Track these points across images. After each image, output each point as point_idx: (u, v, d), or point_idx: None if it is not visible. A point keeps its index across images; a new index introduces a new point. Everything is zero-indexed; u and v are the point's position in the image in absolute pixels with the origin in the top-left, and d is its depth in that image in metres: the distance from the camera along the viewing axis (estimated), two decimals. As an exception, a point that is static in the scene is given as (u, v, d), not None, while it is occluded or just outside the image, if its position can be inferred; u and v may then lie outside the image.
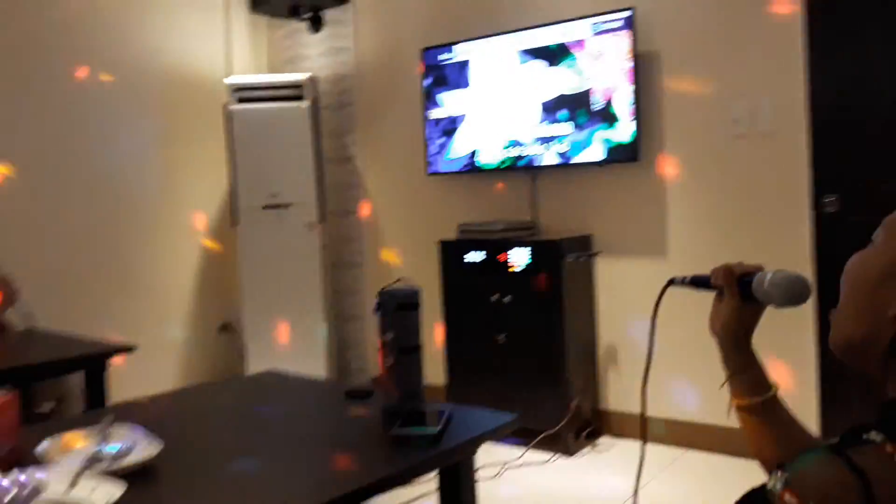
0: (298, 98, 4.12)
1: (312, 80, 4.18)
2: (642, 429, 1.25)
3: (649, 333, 1.13)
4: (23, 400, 1.42)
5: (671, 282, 1.13)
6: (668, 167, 3.29)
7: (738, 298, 1.02)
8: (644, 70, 3.27)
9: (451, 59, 3.77)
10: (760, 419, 1.04)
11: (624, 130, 3.25)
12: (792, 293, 0.97)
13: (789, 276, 0.98)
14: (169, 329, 4.25)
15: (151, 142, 4.17)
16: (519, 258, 3.35)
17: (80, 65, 3.85)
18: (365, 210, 4.39)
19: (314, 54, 4.55)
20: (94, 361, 2.40)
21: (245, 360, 4.18)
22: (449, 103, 3.79)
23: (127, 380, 3.76)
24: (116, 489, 1.15)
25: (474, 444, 1.45)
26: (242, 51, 4.65)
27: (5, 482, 1.15)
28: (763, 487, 0.71)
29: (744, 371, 1.03)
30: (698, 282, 1.09)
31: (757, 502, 0.70)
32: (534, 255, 3.31)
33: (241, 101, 4.11)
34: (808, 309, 2.87)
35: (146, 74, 4.13)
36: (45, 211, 3.71)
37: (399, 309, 1.55)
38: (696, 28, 3.18)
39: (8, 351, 2.59)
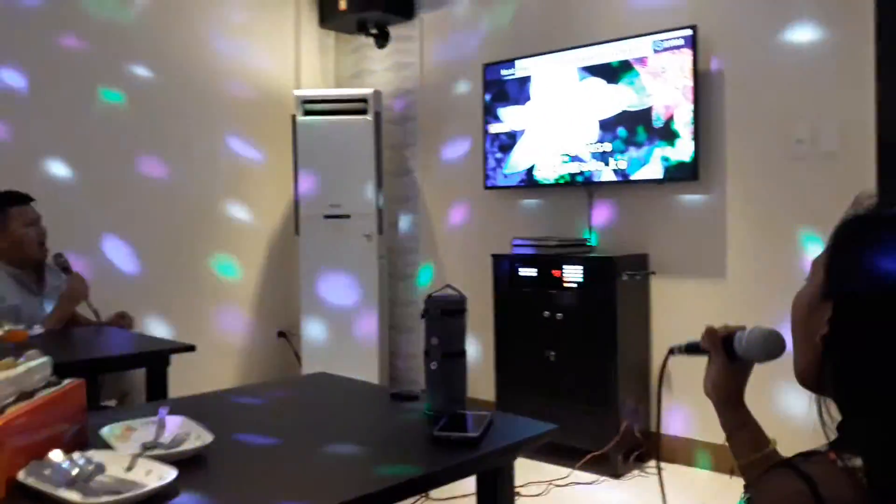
0: (363, 112, 4.22)
1: (377, 95, 4.28)
2: (658, 467, 1.28)
3: (657, 401, 1.21)
4: (89, 393, 1.50)
5: (671, 351, 1.19)
6: (729, 187, 3.24)
7: (724, 358, 1.08)
8: (705, 88, 3.24)
9: (512, 74, 3.81)
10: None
11: (684, 149, 3.22)
12: (766, 348, 1.03)
13: (762, 332, 1.04)
14: (229, 333, 4.39)
15: (223, 150, 4.34)
16: (572, 275, 3.34)
17: (159, 72, 4.03)
18: (422, 222, 4.45)
19: (379, 69, 4.65)
20: (156, 358, 2.50)
21: (300, 367, 4.28)
22: (508, 118, 3.83)
23: (187, 379, 3.89)
24: (169, 474, 1.21)
25: (513, 449, 1.47)
26: (311, 65, 4.79)
27: (69, 462, 1.22)
28: None
29: (740, 429, 1.08)
30: (691, 348, 1.15)
31: None
32: (587, 272, 3.30)
33: (308, 113, 4.23)
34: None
35: (221, 85, 4.30)
36: (116, 212, 3.89)
37: (444, 314, 1.58)
38: (760, 46, 3.13)
39: (77, 344, 2.72)
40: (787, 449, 1.05)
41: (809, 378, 0.85)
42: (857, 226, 0.82)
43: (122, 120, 3.91)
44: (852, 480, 0.72)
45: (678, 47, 3.22)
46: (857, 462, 0.73)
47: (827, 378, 0.80)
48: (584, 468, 3.24)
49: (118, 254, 3.88)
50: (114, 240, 3.87)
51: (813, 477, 0.72)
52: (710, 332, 1.10)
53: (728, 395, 1.09)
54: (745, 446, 1.06)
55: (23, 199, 2.94)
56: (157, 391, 2.51)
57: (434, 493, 2.93)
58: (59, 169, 3.68)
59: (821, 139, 2.98)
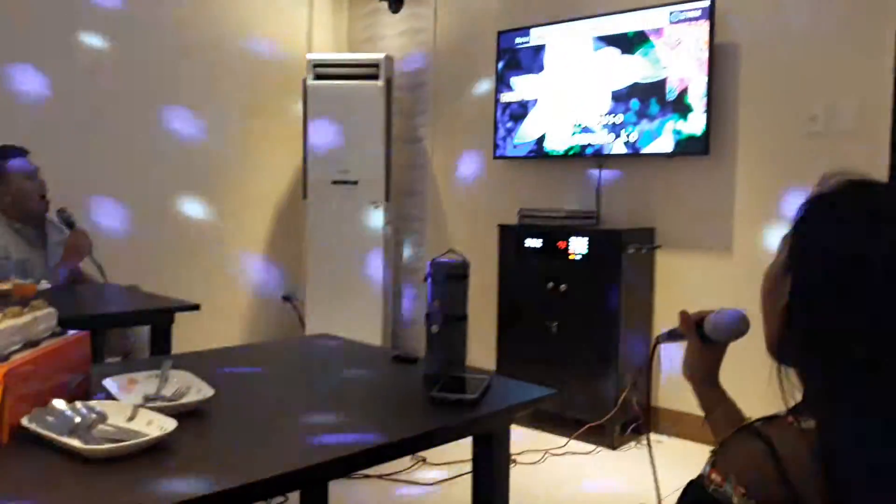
0: (374, 77, 4.19)
1: (388, 60, 4.24)
2: (649, 448, 1.31)
3: (646, 387, 1.24)
4: (93, 349, 1.52)
5: (657, 340, 1.24)
6: (739, 163, 3.22)
7: (698, 340, 1.14)
8: (721, 61, 3.20)
9: (526, 42, 3.76)
10: None
11: (696, 123, 3.19)
12: (729, 328, 1.09)
13: (727, 313, 1.10)
14: (234, 295, 4.41)
15: (232, 112, 4.32)
16: (578, 246, 3.34)
17: (167, 34, 4.01)
18: (430, 191, 4.44)
19: (392, 34, 4.61)
20: (160, 316, 2.52)
21: (304, 331, 4.31)
22: (521, 87, 3.79)
23: (190, 340, 3.93)
24: (169, 424, 1.23)
25: (510, 412, 1.48)
26: (324, 28, 4.75)
27: (72, 410, 1.24)
28: (699, 475, 0.82)
29: (717, 406, 1.13)
30: (672, 334, 1.20)
31: (695, 488, 0.81)
32: (593, 244, 3.30)
33: (319, 77, 4.21)
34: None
35: (230, 47, 4.28)
36: (123, 172, 3.89)
37: (448, 279, 1.59)
38: (778, 21, 3.08)
39: (83, 300, 2.74)
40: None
41: (775, 348, 0.88)
42: (815, 203, 0.87)
43: (131, 73, 3.89)
44: (807, 441, 0.76)
45: (695, 19, 3.17)
46: (812, 424, 0.78)
47: (787, 346, 0.85)
48: (581, 438, 3.27)
49: (123, 211, 3.89)
50: (119, 197, 3.88)
51: (771, 437, 0.77)
52: (683, 317, 1.15)
53: (703, 376, 1.14)
54: (722, 424, 1.10)
55: (19, 152, 2.94)
56: (160, 350, 2.53)
57: (431, 457, 2.97)
58: (83, 115, 3.68)
59: (836, 117, 2.95)
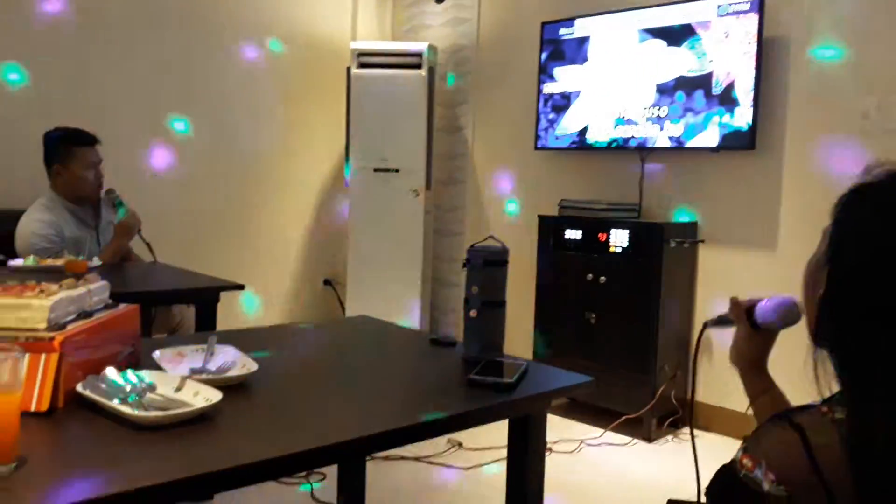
0: (417, 66, 4.21)
1: (432, 50, 4.26)
2: (691, 436, 1.31)
3: (692, 373, 1.26)
4: (143, 326, 1.57)
5: (705, 325, 1.25)
6: (786, 158, 3.16)
7: (748, 327, 1.15)
8: (769, 55, 3.15)
9: (570, 33, 3.75)
10: None
11: (742, 117, 3.15)
12: (781, 315, 1.10)
13: (778, 300, 1.11)
14: (276, 278, 4.49)
15: (277, 101, 4.39)
16: (619, 239, 3.32)
17: (211, 23, 4.09)
18: (470, 180, 4.45)
19: (436, 24, 4.63)
20: (205, 294, 2.58)
21: (344, 314, 4.37)
22: (564, 78, 3.78)
23: (234, 320, 4.02)
24: (215, 396, 1.27)
25: (546, 397, 1.49)
26: (368, 17, 4.79)
27: (123, 379, 1.29)
28: (731, 460, 0.83)
29: (763, 393, 1.14)
30: (720, 321, 1.21)
31: (727, 472, 0.82)
32: (634, 237, 3.28)
33: (363, 66, 4.24)
34: None
35: (276, 34, 4.34)
36: (169, 158, 3.99)
37: (486, 265, 1.60)
38: (830, 15, 3.02)
39: (133, 278, 2.83)
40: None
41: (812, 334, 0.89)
42: (856, 192, 0.87)
43: (179, 68, 3.98)
44: (840, 431, 0.77)
45: (744, 12, 3.12)
46: (845, 414, 0.78)
47: (823, 333, 0.86)
48: (618, 430, 3.26)
49: (170, 195, 3.99)
50: (167, 182, 3.98)
51: (804, 427, 0.77)
52: (734, 303, 1.16)
53: (751, 362, 1.15)
54: (767, 410, 1.10)
55: (89, 140, 3.01)
56: (206, 327, 2.60)
57: (467, 441, 3.00)
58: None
59: (889, 116, 2.88)
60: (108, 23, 3.72)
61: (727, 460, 0.85)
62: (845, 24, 2.98)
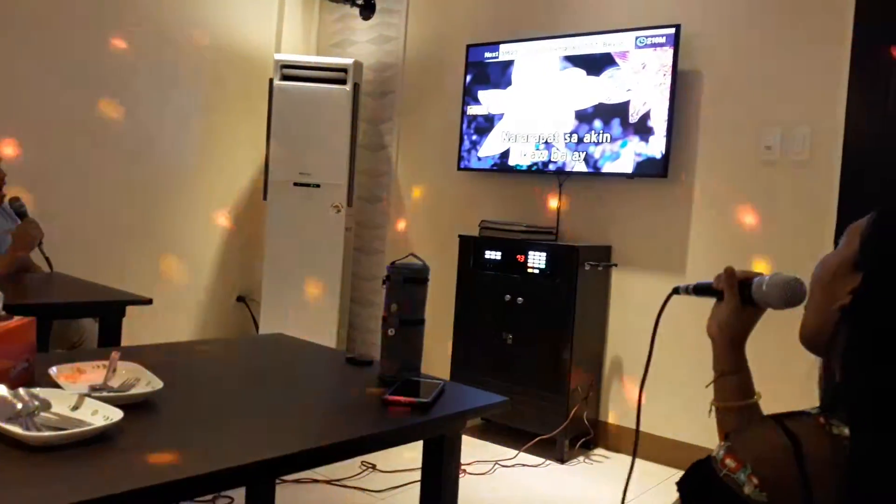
0: (342, 82, 4.18)
1: (357, 66, 4.24)
2: (636, 433, 1.26)
3: (651, 340, 1.18)
4: (39, 339, 1.48)
5: (675, 290, 1.18)
6: (696, 187, 3.30)
7: (738, 300, 1.08)
8: (683, 88, 3.28)
9: (495, 57, 3.81)
10: (737, 423, 1.06)
11: (656, 145, 3.26)
12: (787, 294, 1.03)
13: (786, 278, 1.03)
14: (187, 292, 4.34)
15: (195, 109, 4.27)
16: (536, 261, 3.37)
17: (130, 28, 3.95)
18: (392, 198, 4.44)
19: (362, 40, 4.61)
20: (110, 308, 2.46)
21: (258, 332, 4.25)
22: (487, 101, 3.83)
23: (140, 336, 3.85)
24: (115, 415, 1.20)
25: (462, 417, 1.48)
26: (293, 30, 4.73)
27: (14, 396, 1.21)
28: (708, 457, 0.78)
29: (734, 372, 1.08)
30: (701, 289, 1.15)
31: (703, 469, 0.78)
32: (551, 259, 3.33)
33: (286, 78, 4.18)
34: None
35: (195, 43, 4.23)
36: (78, 165, 3.81)
37: (406, 282, 1.59)
38: (740, 52, 3.18)
39: (30, 290, 2.67)
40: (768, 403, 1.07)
41: (817, 340, 0.85)
42: None
43: (88, 74, 3.82)
44: (836, 446, 0.74)
45: (660, 45, 3.25)
46: (845, 430, 0.74)
47: (838, 347, 0.81)
48: (531, 451, 3.29)
49: (76, 204, 3.81)
50: (74, 190, 3.79)
51: (798, 435, 0.74)
52: (729, 273, 1.10)
53: (732, 338, 1.08)
54: (732, 391, 1.06)
55: None
56: (109, 343, 2.47)
57: (381, 464, 2.95)
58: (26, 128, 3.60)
59: (791, 147, 3.04)
60: (19, 21, 3.53)
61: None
62: (749, 59, 3.14)
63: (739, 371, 1.07)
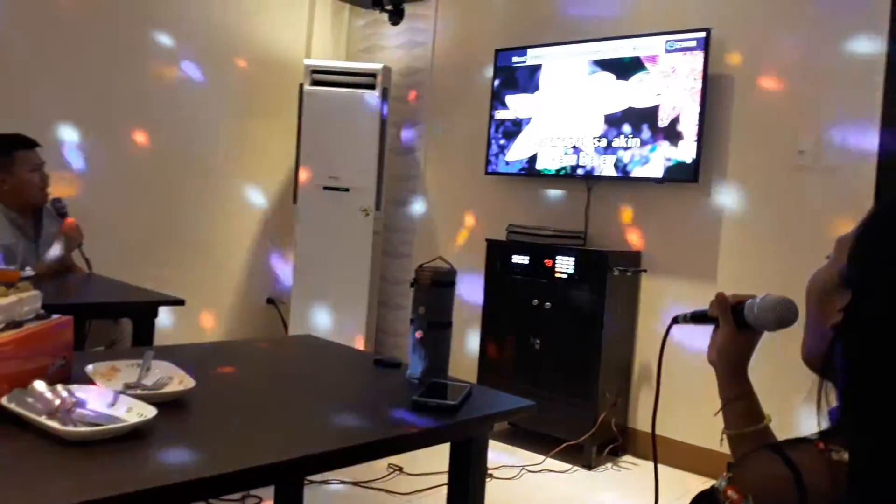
0: (371, 87, 4.22)
1: (386, 71, 4.27)
2: (653, 451, 1.24)
3: (657, 368, 1.17)
4: (75, 339, 1.51)
5: (675, 320, 1.17)
6: (727, 192, 3.26)
7: (733, 326, 1.06)
8: (714, 92, 3.26)
9: (523, 62, 3.81)
10: (750, 449, 1.04)
11: (686, 150, 3.23)
12: (779, 316, 1.01)
13: (776, 299, 1.01)
14: (219, 294, 4.40)
15: (227, 113, 4.33)
16: (564, 266, 3.36)
17: (165, 33, 4.02)
18: (420, 203, 4.46)
19: (391, 46, 4.65)
20: (144, 309, 2.51)
21: (287, 334, 4.30)
22: (515, 106, 3.83)
23: (172, 335, 3.92)
24: (149, 412, 1.23)
25: (489, 421, 1.49)
26: (323, 35, 4.78)
27: (52, 392, 1.24)
28: (711, 488, 0.76)
29: (739, 398, 1.06)
30: (697, 316, 1.13)
31: (707, 499, 0.76)
32: (579, 264, 3.32)
33: (316, 83, 4.23)
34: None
35: (229, 48, 4.29)
36: (116, 169, 3.89)
37: (434, 285, 1.60)
38: (772, 56, 3.14)
39: (69, 289, 2.73)
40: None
41: (815, 361, 0.83)
42: (893, 213, 0.75)
43: (126, 78, 3.90)
44: (836, 473, 0.71)
45: (690, 49, 3.23)
46: (845, 456, 0.72)
47: (835, 367, 0.78)
48: (558, 457, 3.27)
49: (114, 207, 3.88)
50: (111, 194, 3.87)
51: (799, 466, 0.72)
52: (720, 299, 1.08)
53: (733, 364, 1.07)
54: (740, 417, 1.05)
55: (29, 144, 2.95)
56: (143, 343, 2.52)
57: (408, 467, 2.96)
58: (68, 134, 3.68)
59: (825, 153, 3.00)
60: (57, 23, 3.62)
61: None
62: (784, 64, 3.11)
63: (743, 396, 1.06)
